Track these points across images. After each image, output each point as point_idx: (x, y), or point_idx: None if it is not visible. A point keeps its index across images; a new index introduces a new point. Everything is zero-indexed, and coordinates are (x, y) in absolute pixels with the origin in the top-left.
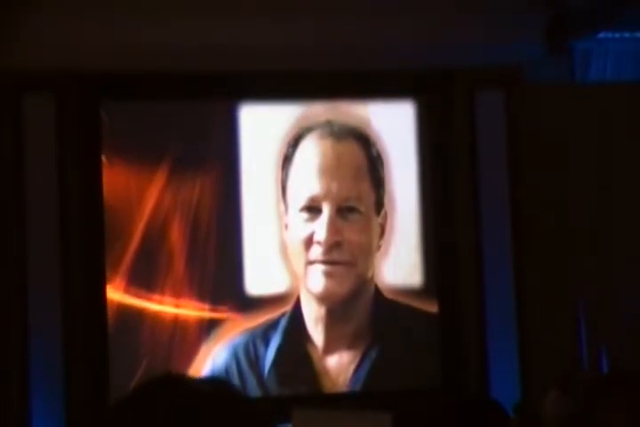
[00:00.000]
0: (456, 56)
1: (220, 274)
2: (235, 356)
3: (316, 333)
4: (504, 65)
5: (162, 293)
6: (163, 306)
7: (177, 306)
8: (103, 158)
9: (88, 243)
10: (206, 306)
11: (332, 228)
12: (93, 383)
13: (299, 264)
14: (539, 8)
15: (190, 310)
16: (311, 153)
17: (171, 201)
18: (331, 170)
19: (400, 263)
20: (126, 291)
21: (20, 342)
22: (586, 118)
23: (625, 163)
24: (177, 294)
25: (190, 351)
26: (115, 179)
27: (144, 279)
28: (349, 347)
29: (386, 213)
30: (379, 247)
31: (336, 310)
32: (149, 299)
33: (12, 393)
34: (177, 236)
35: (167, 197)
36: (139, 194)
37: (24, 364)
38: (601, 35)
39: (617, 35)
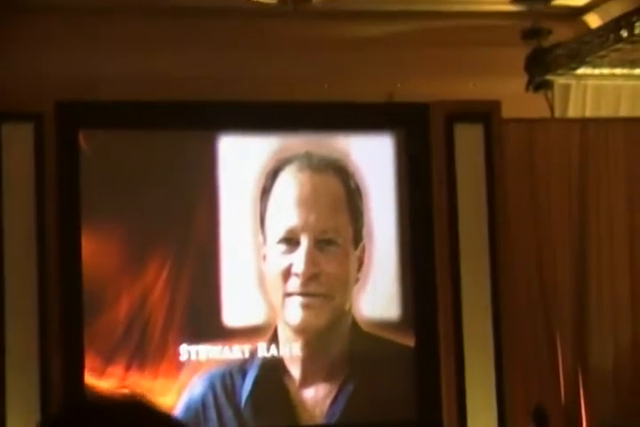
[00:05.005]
0: (436, 90)
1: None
2: (211, 387)
3: (293, 365)
4: (483, 99)
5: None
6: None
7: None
8: (81, 187)
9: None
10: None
11: (310, 260)
12: None
13: (276, 296)
14: (519, 43)
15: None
16: (290, 185)
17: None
18: (309, 202)
19: (378, 296)
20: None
21: None
22: (564, 153)
23: (602, 196)
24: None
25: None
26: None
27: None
28: (326, 379)
29: (364, 246)
30: (356, 280)
31: (313, 343)
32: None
33: None
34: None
35: (146, 232)
36: (116, 229)
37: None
38: (580, 70)
39: (596, 71)
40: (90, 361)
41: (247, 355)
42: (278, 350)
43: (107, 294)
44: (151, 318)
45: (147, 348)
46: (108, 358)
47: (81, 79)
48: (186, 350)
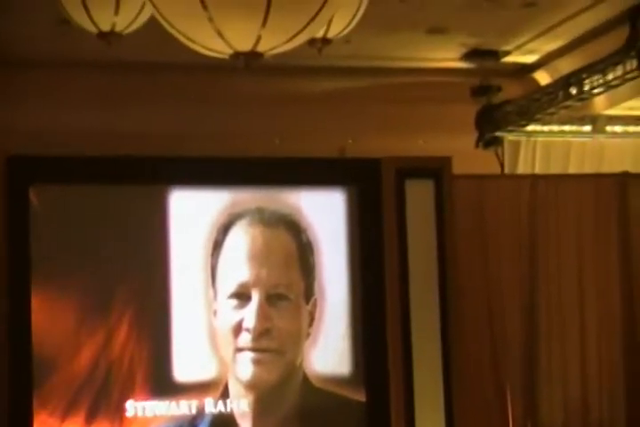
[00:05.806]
0: (387, 145)
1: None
2: None
3: (244, 420)
4: (434, 155)
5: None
6: None
7: None
8: (31, 243)
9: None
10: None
11: (262, 315)
12: None
13: (227, 351)
14: (469, 100)
15: None
16: (241, 240)
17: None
18: (260, 257)
19: (329, 351)
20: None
21: None
22: (514, 209)
23: (552, 252)
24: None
25: None
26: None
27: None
28: None
29: (315, 301)
30: (308, 335)
31: (264, 398)
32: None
33: None
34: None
35: (98, 289)
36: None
37: None
38: (530, 127)
39: (545, 127)
40: (41, 422)
41: (197, 411)
42: (225, 407)
43: (61, 352)
44: (108, 376)
45: (102, 405)
46: (62, 418)
47: (35, 134)
48: (133, 406)
